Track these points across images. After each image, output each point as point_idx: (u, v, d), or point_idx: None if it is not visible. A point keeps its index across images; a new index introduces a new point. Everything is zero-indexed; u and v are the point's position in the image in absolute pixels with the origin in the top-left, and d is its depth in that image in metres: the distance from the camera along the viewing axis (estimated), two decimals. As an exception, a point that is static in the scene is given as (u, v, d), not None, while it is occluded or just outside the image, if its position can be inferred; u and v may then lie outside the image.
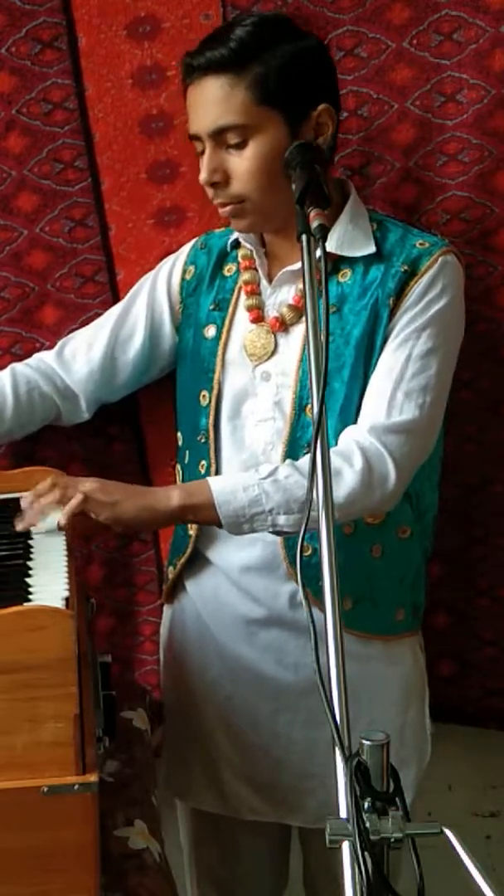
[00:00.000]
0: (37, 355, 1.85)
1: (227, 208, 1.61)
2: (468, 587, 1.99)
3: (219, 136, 1.57)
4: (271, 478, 1.52)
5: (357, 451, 1.53)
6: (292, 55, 1.57)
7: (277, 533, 1.56)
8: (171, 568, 1.82)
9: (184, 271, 1.78)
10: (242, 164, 1.57)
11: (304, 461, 1.54)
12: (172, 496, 1.55)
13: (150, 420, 1.93)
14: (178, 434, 1.80)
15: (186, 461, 1.75)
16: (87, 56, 1.79)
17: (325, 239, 1.30)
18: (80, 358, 1.80)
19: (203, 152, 1.59)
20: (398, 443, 1.55)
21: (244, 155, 1.57)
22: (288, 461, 1.58)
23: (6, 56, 1.79)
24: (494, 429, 1.91)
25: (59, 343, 1.84)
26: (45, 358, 1.83)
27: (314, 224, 1.32)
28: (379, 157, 1.80)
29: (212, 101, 1.56)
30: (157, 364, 1.83)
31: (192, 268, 1.77)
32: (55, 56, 1.79)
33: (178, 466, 1.80)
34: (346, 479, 1.50)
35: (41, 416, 1.81)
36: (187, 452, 1.75)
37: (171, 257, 1.81)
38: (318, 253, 1.27)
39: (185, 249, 1.80)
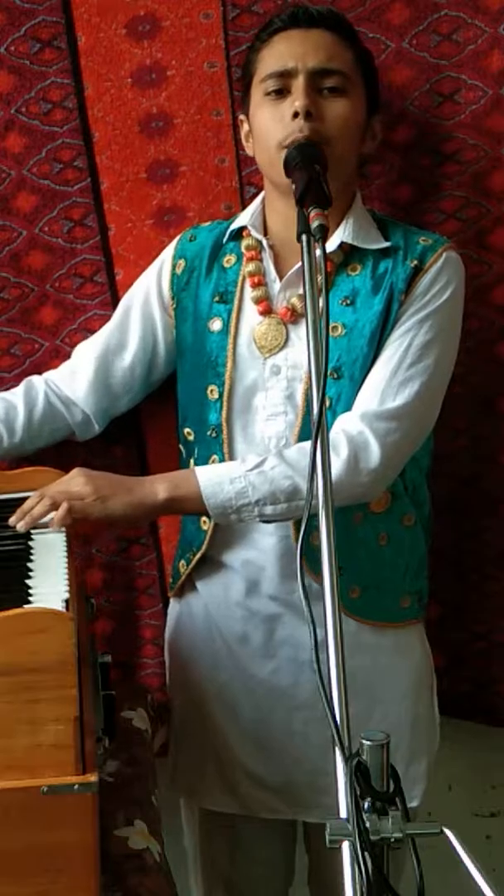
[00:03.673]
0: (50, 373, 1.85)
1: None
2: (459, 581, 2.00)
3: (319, 76, 1.59)
4: (257, 469, 1.54)
5: (343, 439, 1.55)
6: (370, 55, 1.68)
7: (266, 521, 1.58)
8: (182, 562, 1.80)
9: (173, 266, 1.76)
10: (338, 109, 1.60)
11: (292, 451, 1.57)
12: (158, 489, 1.57)
13: (152, 422, 1.92)
14: (185, 429, 1.78)
15: (196, 455, 1.73)
16: (86, 55, 1.79)
17: (325, 239, 1.31)
18: (80, 373, 1.80)
19: (279, 91, 1.60)
20: (388, 428, 1.57)
21: (339, 103, 1.60)
22: (276, 451, 1.59)
23: (5, 55, 1.79)
24: (485, 425, 1.92)
25: (72, 354, 1.85)
26: (53, 377, 1.83)
27: (314, 224, 1.32)
28: (377, 156, 1.79)
29: (322, 46, 1.60)
30: (156, 370, 1.82)
31: (181, 261, 1.75)
32: (54, 55, 1.79)
33: (183, 449, 1.78)
34: (332, 467, 1.51)
35: (50, 431, 1.81)
36: (196, 449, 1.73)
37: (158, 260, 1.80)
38: (328, 248, 1.27)
39: (172, 245, 1.79)
